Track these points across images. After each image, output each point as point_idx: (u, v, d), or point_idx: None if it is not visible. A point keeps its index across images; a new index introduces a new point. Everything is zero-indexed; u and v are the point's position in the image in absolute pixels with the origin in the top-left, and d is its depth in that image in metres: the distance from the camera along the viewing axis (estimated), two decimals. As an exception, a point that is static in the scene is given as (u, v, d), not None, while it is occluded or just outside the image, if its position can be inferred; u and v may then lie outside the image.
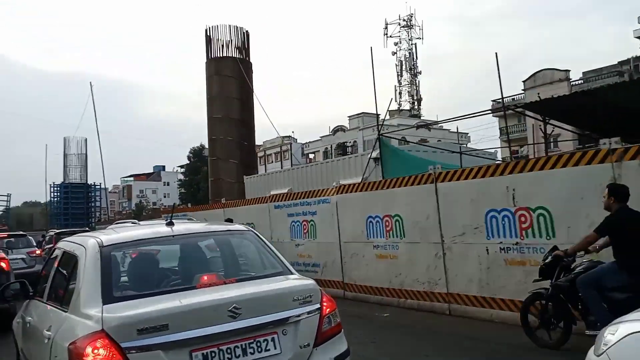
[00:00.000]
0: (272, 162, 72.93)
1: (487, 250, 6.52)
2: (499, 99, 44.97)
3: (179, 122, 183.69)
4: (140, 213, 67.13)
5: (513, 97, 45.75)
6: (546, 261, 5.11)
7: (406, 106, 68.36)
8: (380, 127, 14.30)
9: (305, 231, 10.00)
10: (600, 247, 4.94)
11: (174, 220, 3.70)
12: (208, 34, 22.68)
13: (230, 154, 22.12)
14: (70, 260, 3.65)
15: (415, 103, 67.45)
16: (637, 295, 4.30)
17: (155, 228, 3.89)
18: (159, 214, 35.36)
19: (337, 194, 9.14)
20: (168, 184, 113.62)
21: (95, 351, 2.65)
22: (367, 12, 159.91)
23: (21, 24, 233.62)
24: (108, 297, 2.96)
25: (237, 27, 22.47)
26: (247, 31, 22.76)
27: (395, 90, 68.26)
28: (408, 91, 67.64)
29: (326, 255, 9.39)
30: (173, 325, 2.73)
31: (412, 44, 66.48)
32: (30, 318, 4.01)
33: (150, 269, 3.77)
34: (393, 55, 66.68)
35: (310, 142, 68.36)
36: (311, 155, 69.85)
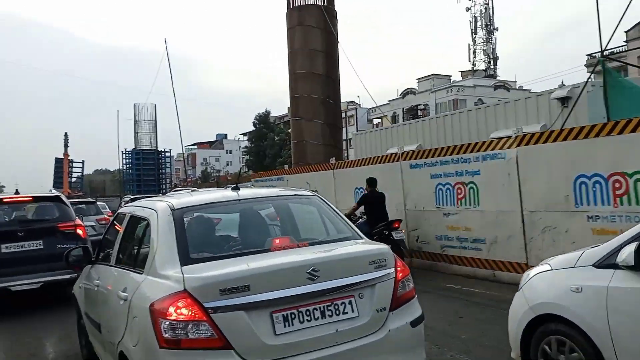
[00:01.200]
0: (337, 128, 70.80)
1: None
2: (595, 52, 40.23)
3: (240, 93, 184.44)
4: (207, 180, 67.16)
5: (612, 49, 41.03)
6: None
7: (481, 66, 63.74)
8: (601, 51, 8.94)
9: (460, 196, 7.82)
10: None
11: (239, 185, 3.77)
12: (289, -21, 20.24)
13: (315, 114, 19.97)
14: (139, 225, 3.71)
15: (491, 62, 62.68)
16: None
17: (222, 192, 3.91)
18: (224, 182, 34.48)
19: (517, 145, 6.82)
20: (230, 152, 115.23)
21: (178, 310, 2.66)
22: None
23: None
24: (185, 258, 2.97)
25: (321, -29, 19.94)
26: (332, -25, 20.24)
27: (469, 49, 63.74)
28: (483, 50, 62.87)
29: (496, 228, 7.23)
30: (254, 286, 2.73)
31: (488, -2, 61.36)
32: (98, 282, 4.03)
33: (221, 230, 3.79)
34: (467, 10, 61.90)
35: (376, 106, 65.36)
36: (376, 121, 67.02)
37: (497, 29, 61.84)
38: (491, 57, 62.26)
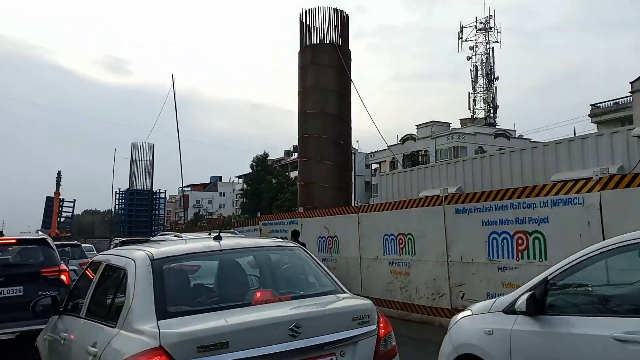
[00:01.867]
0: (334, 172, 70.14)
1: None
2: (600, 102, 40.12)
3: (234, 135, 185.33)
4: (195, 224, 65.63)
5: (615, 100, 41.04)
6: None
7: (481, 114, 63.98)
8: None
9: (521, 248, 6.72)
10: None
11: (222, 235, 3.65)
12: (302, 19, 19.80)
13: (325, 155, 19.05)
14: (115, 274, 3.54)
15: (491, 110, 62.94)
16: None
17: (204, 242, 3.68)
18: (214, 225, 33.16)
19: (600, 189, 5.83)
20: (224, 195, 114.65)
21: None
22: (440, 14, 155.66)
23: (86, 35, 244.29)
24: (162, 312, 2.80)
25: (335, 10, 19.55)
26: (346, 14, 19.83)
27: (469, 97, 64.11)
28: (483, 98, 63.25)
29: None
30: (234, 343, 2.59)
31: (489, 48, 62.27)
32: (65, 334, 3.74)
33: (201, 282, 3.62)
34: (468, 60, 62.61)
35: (375, 151, 64.97)
36: (374, 166, 66.48)
37: (497, 78, 62.39)
38: (491, 105, 62.53)
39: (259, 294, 3.20)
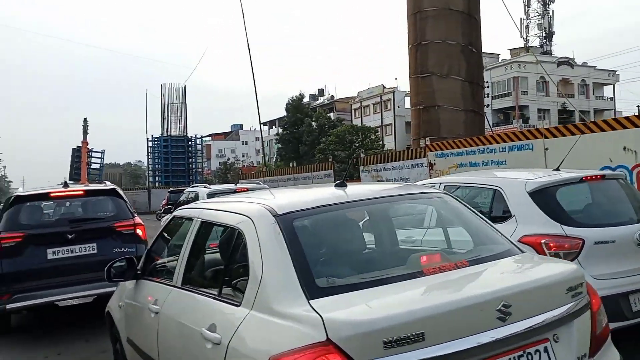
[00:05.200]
0: (370, 114, 65.30)
1: None
2: None
3: (245, 86, 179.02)
4: (225, 175, 62.03)
5: None
6: None
7: (534, 42, 57.96)
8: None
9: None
10: None
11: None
12: None
13: (452, 67, 14.43)
14: (222, 235, 2.86)
15: (547, 38, 56.90)
16: None
17: (326, 190, 3.02)
18: (243, 176, 29.29)
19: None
20: (246, 143, 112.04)
21: None
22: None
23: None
24: (312, 288, 2.03)
25: None
26: None
27: (522, 24, 57.89)
28: (538, 24, 57.03)
29: None
30: (430, 334, 1.82)
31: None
32: (156, 307, 2.96)
33: (345, 244, 2.70)
34: (520, -20, 56.01)
35: (418, 88, 59.76)
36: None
37: (553, 1, 56.00)
38: (547, 31, 56.41)
39: (425, 258, 2.37)
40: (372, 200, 2.82)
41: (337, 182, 2.89)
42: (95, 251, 6.14)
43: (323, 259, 2.42)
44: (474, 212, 2.88)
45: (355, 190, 2.82)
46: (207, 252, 3.12)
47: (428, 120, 14.84)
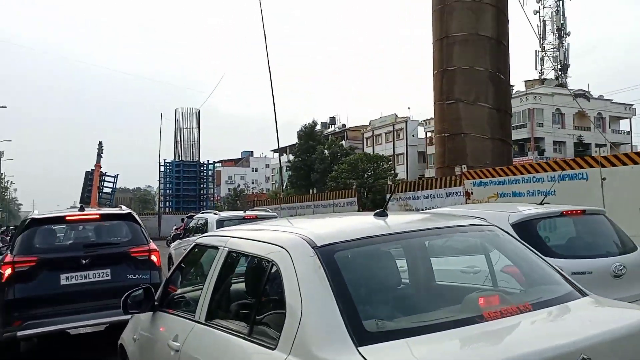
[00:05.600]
0: (382, 143, 64.99)
1: None
2: None
3: (257, 113, 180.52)
4: (235, 202, 61.64)
5: None
6: None
7: (549, 74, 57.76)
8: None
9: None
10: None
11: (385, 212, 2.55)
12: None
13: (480, 94, 13.95)
14: (253, 266, 2.62)
15: (562, 70, 56.67)
16: None
17: (366, 219, 2.67)
18: (252, 203, 28.76)
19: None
20: (256, 170, 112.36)
21: None
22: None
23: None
24: (359, 333, 1.79)
25: None
26: None
27: (537, 56, 57.86)
28: (553, 56, 56.89)
29: None
30: None
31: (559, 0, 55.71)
32: (176, 344, 2.69)
33: (391, 281, 2.48)
34: (535, 14, 56.07)
35: (431, 118, 59.50)
36: (429, 134, 61.18)
37: (569, 34, 55.97)
38: (562, 63, 56.21)
39: (482, 300, 2.13)
40: (419, 233, 2.58)
41: (376, 210, 2.63)
42: (109, 277, 5.95)
43: (370, 298, 2.15)
44: (527, 247, 2.62)
45: (397, 220, 2.59)
46: (234, 285, 2.87)
47: (454, 148, 14.30)
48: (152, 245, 6.44)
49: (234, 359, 2.21)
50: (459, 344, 1.83)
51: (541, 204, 4.60)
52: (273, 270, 2.22)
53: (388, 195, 11.40)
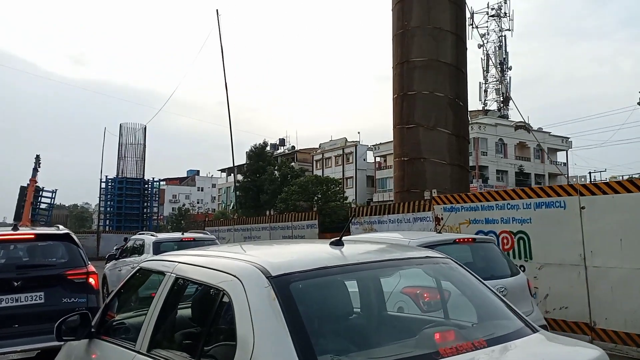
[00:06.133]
0: (332, 166, 65.31)
1: None
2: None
3: (202, 132, 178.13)
4: (179, 222, 59.69)
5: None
6: None
7: (492, 106, 60.27)
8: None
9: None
10: None
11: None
12: None
13: (439, 120, 14.01)
14: (202, 295, 2.46)
15: (504, 102, 59.26)
16: None
17: (320, 248, 2.71)
18: (203, 223, 28.01)
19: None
20: (202, 190, 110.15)
21: None
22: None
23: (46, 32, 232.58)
24: None
25: None
26: None
27: (480, 88, 60.33)
28: (496, 89, 59.50)
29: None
30: None
31: (501, 35, 58.53)
32: None
33: (346, 314, 2.48)
34: (479, 48, 58.60)
35: (379, 143, 60.40)
36: (378, 159, 62.06)
37: (510, 68, 58.73)
38: (504, 95, 58.82)
39: (438, 336, 2.13)
40: (374, 264, 2.52)
41: (332, 239, 2.56)
42: (42, 300, 5.74)
43: (325, 332, 2.14)
44: (481, 281, 2.62)
45: (353, 251, 2.54)
46: (180, 314, 2.71)
47: (413, 172, 14.23)
48: (91, 267, 6.20)
49: None
50: None
51: (439, 232, 5.11)
52: (224, 300, 2.12)
53: (350, 219, 11.07)
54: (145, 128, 37.95)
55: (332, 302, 2.38)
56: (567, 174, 54.08)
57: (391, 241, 4.73)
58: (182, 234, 12.25)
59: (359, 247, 2.97)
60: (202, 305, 2.45)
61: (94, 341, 3.02)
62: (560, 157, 56.84)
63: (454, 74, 14.23)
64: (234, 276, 2.11)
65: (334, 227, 18.82)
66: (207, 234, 14.02)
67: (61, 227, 7.18)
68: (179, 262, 2.66)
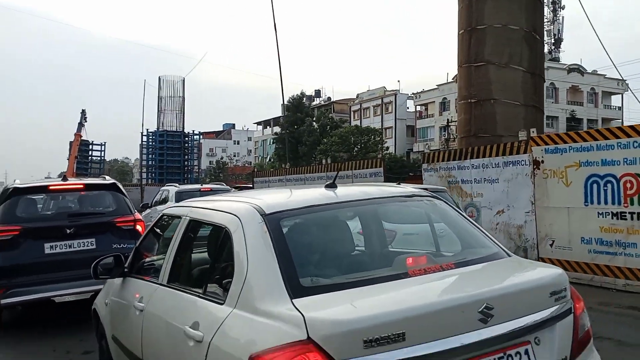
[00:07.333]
0: (370, 116, 63.58)
1: None
2: None
3: (237, 86, 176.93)
4: (217, 174, 59.71)
5: None
6: None
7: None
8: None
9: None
10: None
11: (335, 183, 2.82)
12: None
13: (512, 56, 12.63)
14: (210, 233, 2.90)
15: (555, 44, 55.71)
16: None
17: (317, 191, 2.89)
18: (242, 177, 27.43)
19: None
20: (238, 143, 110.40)
21: None
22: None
23: None
24: (296, 288, 2.05)
25: None
26: None
27: (530, 29, 56.64)
28: (547, 30, 55.74)
29: None
30: (411, 334, 1.82)
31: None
32: (141, 304, 3.00)
33: (333, 245, 2.72)
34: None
35: (421, 91, 58.17)
36: (419, 108, 59.98)
37: (563, 7, 54.75)
38: (556, 37, 55.20)
39: (411, 260, 2.40)
40: (361, 202, 2.76)
41: (327, 183, 2.82)
42: (94, 246, 6.02)
43: (309, 259, 2.41)
44: (463, 216, 2.90)
45: (345, 191, 2.81)
46: (194, 250, 3.10)
47: (481, 115, 12.99)
48: (137, 215, 6.51)
49: (187, 313, 2.43)
50: (376, 294, 2.01)
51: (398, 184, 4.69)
52: (226, 236, 2.41)
53: (425, 165, 10.12)
54: (183, 80, 37.32)
55: (319, 234, 2.63)
56: (622, 119, 51.03)
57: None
58: (201, 185, 13.19)
59: (350, 188, 3.13)
60: (210, 241, 2.82)
61: (127, 279, 3.44)
62: (615, 100, 53.51)
63: (530, 3, 12.68)
64: (235, 215, 2.41)
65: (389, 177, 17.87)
66: (223, 185, 14.94)
67: (107, 177, 7.36)
68: (193, 207, 3.02)
